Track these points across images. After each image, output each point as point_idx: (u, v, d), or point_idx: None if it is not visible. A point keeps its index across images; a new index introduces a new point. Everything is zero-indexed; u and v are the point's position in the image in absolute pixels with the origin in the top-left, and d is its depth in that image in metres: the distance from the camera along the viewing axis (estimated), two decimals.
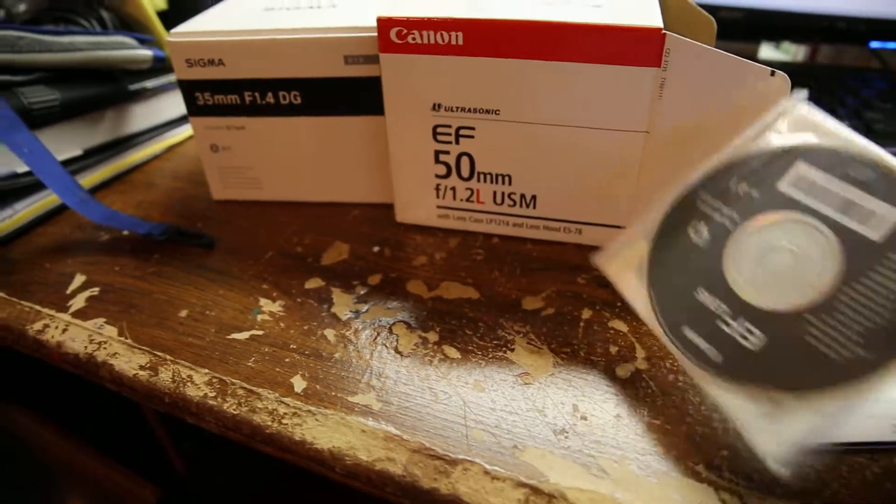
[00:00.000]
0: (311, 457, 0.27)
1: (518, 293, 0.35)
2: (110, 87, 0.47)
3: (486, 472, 0.25)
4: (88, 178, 0.46)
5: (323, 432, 0.27)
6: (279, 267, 0.38)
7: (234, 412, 0.29)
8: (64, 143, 0.44)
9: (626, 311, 0.33)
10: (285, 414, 0.28)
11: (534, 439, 0.26)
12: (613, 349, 0.31)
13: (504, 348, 0.31)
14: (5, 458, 0.52)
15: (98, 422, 0.48)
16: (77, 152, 0.45)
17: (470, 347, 0.31)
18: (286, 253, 0.39)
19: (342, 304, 0.35)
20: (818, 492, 0.24)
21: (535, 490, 0.24)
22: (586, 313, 0.33)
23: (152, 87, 0.51)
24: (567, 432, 0.27)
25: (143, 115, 0.52)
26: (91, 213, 0.40)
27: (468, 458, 0.26)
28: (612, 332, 0.32)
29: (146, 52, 0.48)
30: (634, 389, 0.29)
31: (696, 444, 0.26)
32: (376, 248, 0.40)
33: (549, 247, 0.39)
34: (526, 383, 0.29)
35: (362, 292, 0.36)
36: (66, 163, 0.44)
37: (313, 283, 0.37)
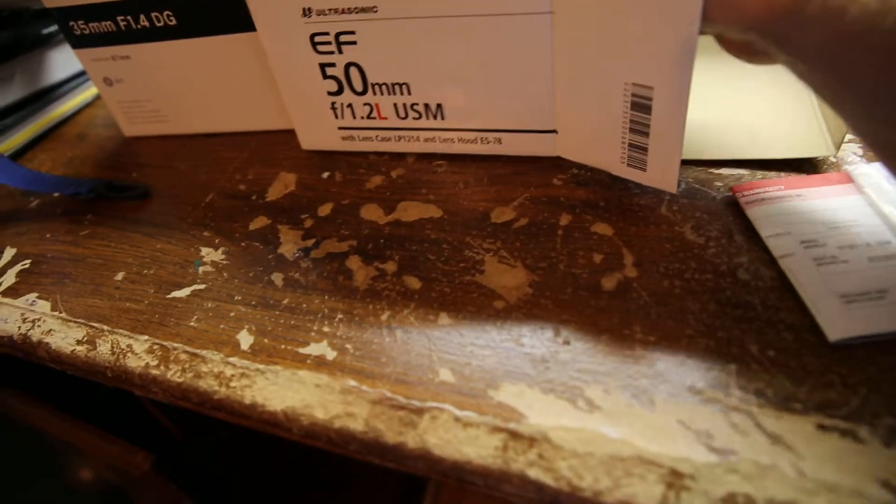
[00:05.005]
0: (265, 420, 0.24)
1: (486, 205, 0.30)
2: (15, 33, 0.42)
3: (457, 419, 0.22)
4: (10, 141, 0.42)
5: (274, 392, 0.24)
6: (221, 210, 0.34)
7: (179, 380, 0.26)
8: None
9: (610, 212, 0.29)
10: (233, 376, 0.25)
11: (509, 375, 0.23)
12: (598, 257, 0.27)
13: (472, 271, 0.27)
14: (7, 439, 0.51)
15: (93, 397, 0.46)
16: None
17: (433, 275, 0.27)
18: (228, 193, 0.35)
19: (290, 242, 0.31)
20: (844, 401, 0.20)
21: (514, 434, 0.21)
22: (564, 219, 0.29)
23: None
24: (548, 362, 0.23)
25: (63, 62, 0.46)
26: (10, 178, 0.36)
27: (436, 405, 0.22)
28: (595, 237, 0.27)
29: None
30: (624, 302, 0.24)
31: (699, 359, 0.22)
32: (325, 175, 0.35)
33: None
34: (498, 309, 0.25)
35: (311, 226, 0.31)
36: None
37: (258, 223, 0.32)
